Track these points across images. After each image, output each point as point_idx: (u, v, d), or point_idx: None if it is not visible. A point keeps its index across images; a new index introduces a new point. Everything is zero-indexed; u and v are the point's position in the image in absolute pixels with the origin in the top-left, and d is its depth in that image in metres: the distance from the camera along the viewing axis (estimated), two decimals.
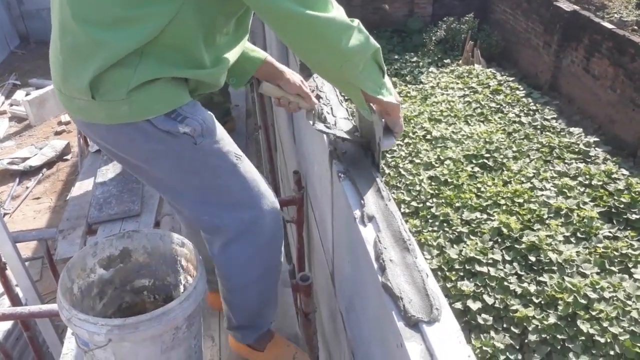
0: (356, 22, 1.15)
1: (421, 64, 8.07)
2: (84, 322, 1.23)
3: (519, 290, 3.80)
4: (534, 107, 6.65)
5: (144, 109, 1.14)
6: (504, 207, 4.56)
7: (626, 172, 5.15)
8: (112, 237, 1.50)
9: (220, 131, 1.27)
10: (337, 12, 1.11)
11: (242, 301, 1.49)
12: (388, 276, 1.06)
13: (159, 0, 1.07)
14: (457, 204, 4.55)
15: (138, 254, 1.53)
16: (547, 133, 6.06)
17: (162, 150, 1.19)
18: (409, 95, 7.14)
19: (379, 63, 1.22)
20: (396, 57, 8.29)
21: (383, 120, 1.31)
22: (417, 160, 5.34)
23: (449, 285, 3.85)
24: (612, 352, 3.52)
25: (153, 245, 1.53)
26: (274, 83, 1.45)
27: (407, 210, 4.62)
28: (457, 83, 7.36)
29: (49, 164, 7.15)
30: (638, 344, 3.50)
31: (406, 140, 5.72)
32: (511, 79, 7.39)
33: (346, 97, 1.41)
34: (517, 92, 7.00)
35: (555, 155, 5.57)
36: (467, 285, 3.82)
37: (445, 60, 8.25)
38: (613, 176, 5.04)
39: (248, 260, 1.38)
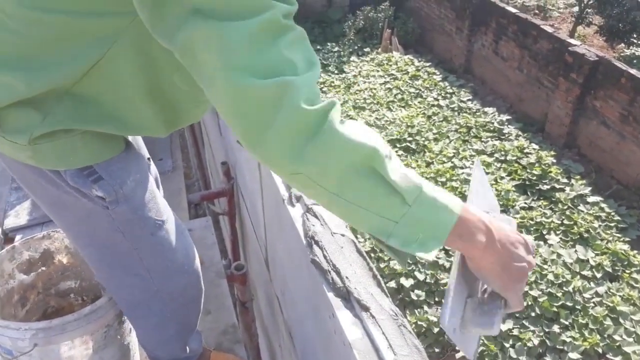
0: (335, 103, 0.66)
1: (343, 53, 8.21)
2: (5, 329, 1.17)
3: (447, 265, 3.99)
4: (451, 90, 6.97)
5: (50, 161, 0.92)
6: None
7: (536, 147, 5.54)
8: (31, 239, 1.42)
9: (143, 197, 1.02)
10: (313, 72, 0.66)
11: (160, 352, 1.31)
12: (315, 251, 1.09)
13: (73, 42, 0.79)
14: None
15: (61, 255, 1.47)
16: (464, 114, 6.37)
17: (69, 202, 0.98)
18: (333, 84, 7.27)
19: (386, 177, 0.64)
20: (319, 47, 8.39)
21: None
22: None
23: (382, 265, 3.98)
24: (533, 314, 3.79)
25: None
26: None
27: None
28: (378, 71, 7.56)
29: None
30: (555, 304, 3.79)
31: None
32: (428, 64, 7.69)
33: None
34: (434, 76, 7.30)
35: (472, 134, 5.88)
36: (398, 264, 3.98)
37: (365, 49, 8.44)
38: (525, 151, 5.40)
39: (157, 324, 1.22)
